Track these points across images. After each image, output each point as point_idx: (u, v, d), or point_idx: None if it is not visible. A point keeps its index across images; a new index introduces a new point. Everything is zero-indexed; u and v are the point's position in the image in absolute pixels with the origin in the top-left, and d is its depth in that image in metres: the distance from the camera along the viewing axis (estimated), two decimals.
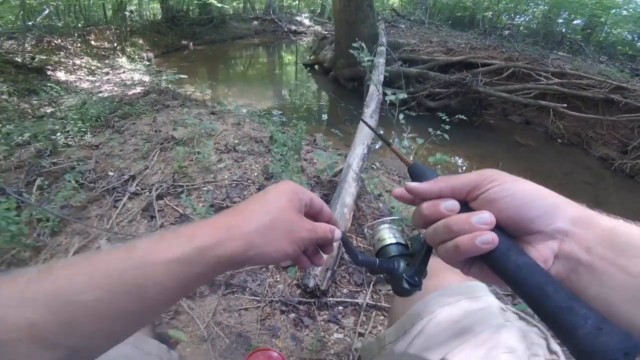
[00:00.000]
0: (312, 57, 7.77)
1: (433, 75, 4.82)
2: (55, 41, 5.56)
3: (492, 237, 0.29)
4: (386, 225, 0.46)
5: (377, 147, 2.88)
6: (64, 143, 2.34)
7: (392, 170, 2.63)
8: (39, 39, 5.24)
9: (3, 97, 3.43)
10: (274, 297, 1.27)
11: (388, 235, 0.44)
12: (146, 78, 5.13)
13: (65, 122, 2.67)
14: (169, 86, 4.29)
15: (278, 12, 13.85)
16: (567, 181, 3.67)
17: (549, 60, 4.99)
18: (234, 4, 13.54)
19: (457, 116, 4.70)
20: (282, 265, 1.40)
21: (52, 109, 3.29)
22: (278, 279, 1.37)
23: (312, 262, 0.43)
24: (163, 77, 4.26)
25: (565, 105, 4.17)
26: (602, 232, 0.28)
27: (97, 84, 4.55)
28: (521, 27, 9.35)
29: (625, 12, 8.12)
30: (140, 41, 8.12)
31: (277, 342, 1.13)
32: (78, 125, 2.54)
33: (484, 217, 0.30)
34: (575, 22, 8.81)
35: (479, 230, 0.30)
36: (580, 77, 4.61)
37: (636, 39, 8.23)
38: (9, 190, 1.77)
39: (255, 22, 12.77)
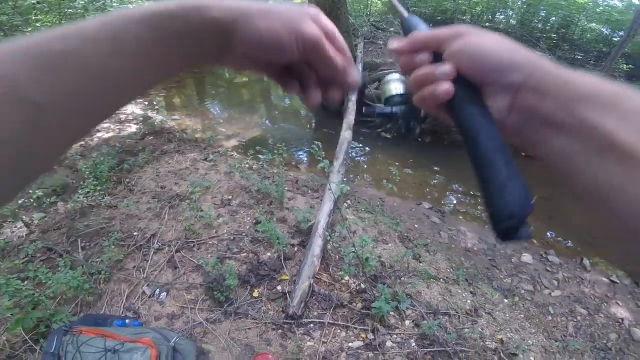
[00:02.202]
0: None
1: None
2: None
3: (446, 88, 0.35)
4: (393, 76, 0.52)
5: (349, 189, 3.73)
6: (87, 204, 3.15)
7: (359, 207, 3.48)
8: None
9: None
10: (267, 320, 2.11)
11: (392, 87, 0.51)
12: (138, 110, 5.98)
13: (79, 173, 3.51)
14: (163, 124, 5.12)
15: None
16: None
17: None
18: None
19: (427, 139, 5.61)
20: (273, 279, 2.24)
21: None
22: (269, 308, 2.21)
23: (305, 94, 0.40)
24: (157, 120, 5.10)
25: None
26: (557, 81, 0.31)
27: None
28: (501, 25, 10.31)
29: (598, 10, 9.19)
30: None
31: (271, 348, 1.96)
32: (94, 184, 3.35)
33: (445, 68, 0.35)
34: (552, 19, 9.86)
35: (440, 81, 0.35)
36: None
37: (610, 34, 9.28)
38: (59, 249, 2.61)
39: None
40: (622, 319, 2.92)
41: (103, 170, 3.49)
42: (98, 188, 3.28)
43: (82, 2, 5.39)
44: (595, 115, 0.28)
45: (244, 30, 0.32)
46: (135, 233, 2.77)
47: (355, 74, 0.40)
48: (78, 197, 3.09)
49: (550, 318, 2.81)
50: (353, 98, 5.11)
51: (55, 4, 5.65)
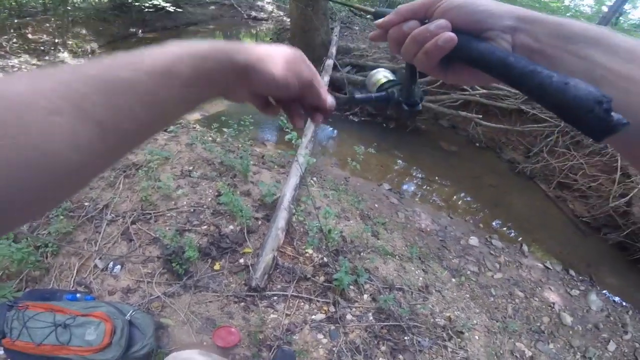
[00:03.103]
0: None
1: None
2: None
3: (449, 36, 0.37)
4: (379, 69, 0.52)
5: (315, 161, 3.69)
6: None
7: (325, 185, 3.47)
8: None
9: None
10: (229, 293, 2.05)
11: (381, 76, 0.51)
12: None
13: None
14: None
15: None
16: (474, 185, 4.80)
17: None
18: None
19: (391, 125, 5.72)
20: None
21: None
22: (231, 281, 2.15)
23: (292, 119, 0.47)
24: None
25: (481, 116, 5.29)
26: (548, 25, 0.35)
27: None
28: None
29: (568, 15, 9.84)
30: (84, 31, 8.08)
31: (233, 321, 1.92)
32: None
33: (440, 22, 0.38)
34: None
35: (439, 34, 0.37)
36: (500, 89, 5.78)
37: None
38: None
39: (213, 7, 12.76)
40: (554, 304, 3.17)
41: None
42: None
43: None
44: (585, 50, 0.33)
45: (261, 73, 0.39)
46: (86, 203, 2.55)
47: (331, 99, 0.46)
48: None
49: (492, 299, 3.00)
50: (326, 79, 5.03)
51: None
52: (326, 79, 5.18)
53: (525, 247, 3.84)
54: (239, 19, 12.63)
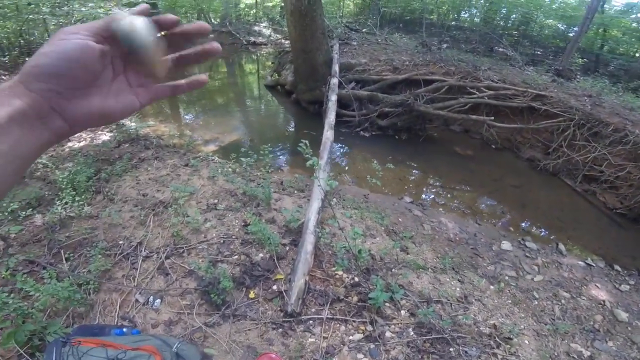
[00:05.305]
0: (273, 78, 8.62)
1: (381, 98, 5.83)
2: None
3: None
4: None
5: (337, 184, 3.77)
6: (66, 215, 3.03)
7: (345, 205, 3.54)
8: None
9: None
10: (267, 320, 2.12)
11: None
12: None
13: (54, 185, 3.38)
14: (138, 131, 4.98)
15: (235, 23, 14.43)
16: (496, 187, 4.77)
17: (480, 72, 6.14)
18: (187, 15, 13.98)
19: (403, 136, 5.76)
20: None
21: None
22: (267, 308, 2.22)
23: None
24: (131, 127, 4.95)
25: (493, 118, 5.31)
26: None
27: None
28: (466, 23, 10.81)
29: (554, 7, 9.89)
30: None
31: (274, 348, 1.98)
32: (72, 195, 3.22)
33: None
34: (512, 16, 10.50)
35: None
36: (507, 89, 5.80)
37: (565, 30, 10.02)
38: (42, 262, 2.50)
39: (211, 36, 13.31)
40: (604, 301, 3.07)
41: (81, 180, 3.36)
42: (77, 199, 3.15)
43: (47, 9, 5.12)
44: None
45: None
46: (120, 242, 2.70)
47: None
48: (56, 209, 2.97)
49: (536, 302, 2.92)
50: (333, 98, 5.18)
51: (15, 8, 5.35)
52: (334, 97, 5.32)
53: (561, 246, 3.77)
54: (238, 45, 13.10)
